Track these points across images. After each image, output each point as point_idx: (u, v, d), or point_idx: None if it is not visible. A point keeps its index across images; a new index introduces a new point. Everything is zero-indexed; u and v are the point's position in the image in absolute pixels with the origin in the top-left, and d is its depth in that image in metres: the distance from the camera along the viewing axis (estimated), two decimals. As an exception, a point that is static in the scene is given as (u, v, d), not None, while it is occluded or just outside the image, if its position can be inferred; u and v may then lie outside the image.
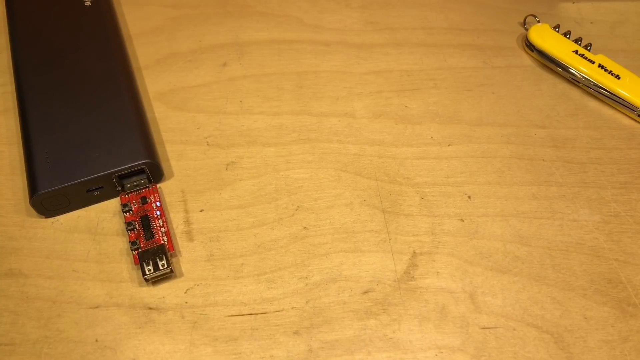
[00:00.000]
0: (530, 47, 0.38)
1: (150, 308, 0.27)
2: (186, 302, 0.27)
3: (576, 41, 0.38)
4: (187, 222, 0.30)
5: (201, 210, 0.31)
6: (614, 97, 0.35)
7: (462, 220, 0.30)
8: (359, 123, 0.35)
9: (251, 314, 0.27)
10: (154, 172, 0.30)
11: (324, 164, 0.33)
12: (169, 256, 0.28)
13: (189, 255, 0.29)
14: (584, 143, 0.34)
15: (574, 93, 0.37)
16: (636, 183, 0.32)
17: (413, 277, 0.28)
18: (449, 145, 0.34)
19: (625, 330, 0.27)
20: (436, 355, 0.26)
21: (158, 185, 0.31)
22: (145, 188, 0.30)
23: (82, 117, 0.31)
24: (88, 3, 0.37)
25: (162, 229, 0.29)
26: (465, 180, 0.32)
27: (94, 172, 0.29)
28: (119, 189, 0.30)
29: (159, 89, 0.36)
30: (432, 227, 0.30)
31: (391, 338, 0.26)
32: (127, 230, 0.29)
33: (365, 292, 0.28)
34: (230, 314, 0.27)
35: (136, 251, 0.28)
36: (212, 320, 0.27)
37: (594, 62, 0.36)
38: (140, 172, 0.30)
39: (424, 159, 0.33)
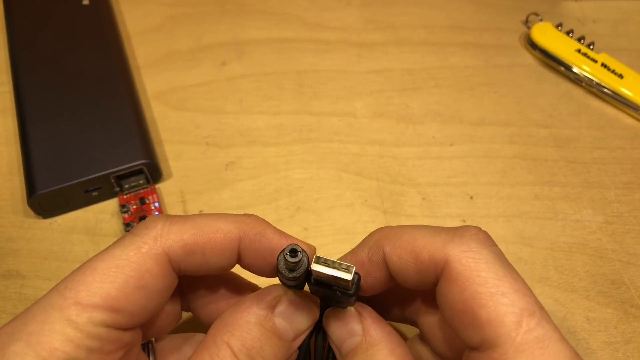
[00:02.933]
0: (532, 45, 0.38)
1: (149, 310, 0.27)
2: (185, 304, 0.27)
3: (579, 40, 0.37)
4: (187, 222, 0.30)
5: (200, 211, 0.30)
6: (617, 97, 0.35)
7: (464, 220, 0.30)
8: (359, 123, 0.34)
9: (251, 316, 0.27)
10: (153, 173, 0.30)
11: (324, 164, 0.32)
12: (168, 257, 0.27)
13: (188, 256, 0.29)
14: (587, 143, 0.34)
15: (577, 92, 0.36)
16: (639, 183, 0.32)
17: (414, 278, 0.28)
18: (450, 145, 0.33)
19: (628, 332, 0.27)
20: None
21: (157, 186, 0.31)
22: (143, 188, 0.30)
23: (80, 117, 0.31)
24: (86, 2, 0.37)
25: (161, 230, 0.28)
26: (467, 181, 0.32)
27: (92, 172, 0.29)
28: (118, 189, 0.30)
29: (157, 88, 0.35)
30: (434, 228, 0.30)
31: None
32: (126, 231, 0.28)
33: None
34: (230, 316, 0.27)
35: (135, 252, 0.28)
36: (212, 322, 0.26)
37: (596, 61, 0.36)
38: (139, 172, 0.30)
39: (425, 159, 0.33)
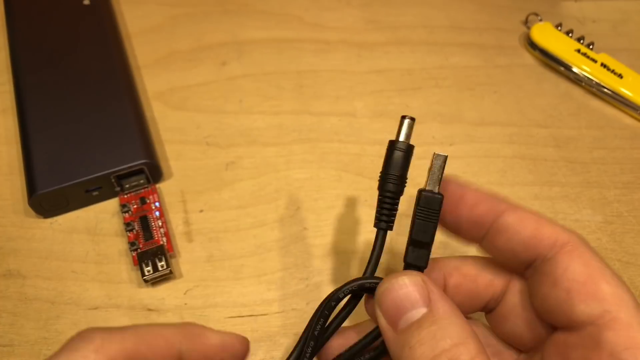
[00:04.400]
0: (532, 45, 0.38)
1: (149, 309, 0.27)
2: (186, 304, 0.27)
3: (578, 40, 0.37)
4: (187, 222, 0.30)
5: (201, 211, 0.30)
6: (617, 97, 0.35)
7: (464, 220, 0.30)
8: (359, 122, 0.34)
9: (251, 316, 0.27)
10: (153, 172, 0.30)
11: (324, 164, 0.32)
12: (168, 257, 0.28)
13: (188, 256, 0.29)
14: (586, 143, 0.34)
15: (577, 92, 0.37)
16: (639, 183, 0.32)
17: (414, 278, 0.28)
18: (450, 145, 0.33)
19: (628, 332, 0.27)
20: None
21: (157, 186, 0.31)
22: (144, 188, 0.30)
23: (81, 117, 0.31)
24: (87, 2, 0.37)
25: (162, 230, 0.29)
26: (468, 180, 0.32)
27: (92, 172, 0.29)
28: (118, 189, 0.30)
29: (158, 88, 0.36)
30: (434, 228, 0.30)
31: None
32: (126, 231, 0.28)
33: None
34: (230, 316, 0.27)
35: (135, 252, 0.28)
36: (212, 321, 0.26)
37: (596, 61, 0.36)
38: (139, 172, 0.30)
39: (425, 159, 0.32)
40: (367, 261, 0.21)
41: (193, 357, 0.19)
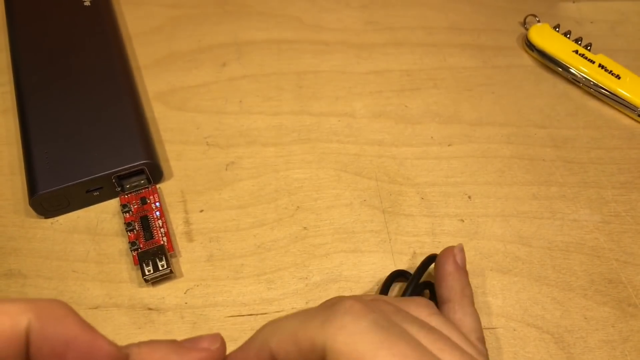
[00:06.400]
0: (530, 46, 0.38)
1: (150, 308, 0.27)
2: (186, 303, 0.27)
3: (576, 41, 0.38)
4: (187, 222, 0.30)
5: (201, 211, 0.30)
6: (614, 97, 0.35)
7: (463, 220, 0.30)
8: (358, 123, 0.35)
9: (251, 315, 0.27)
10: (154, 173, 0.30)
11: (323, 164, 0.32)
12: (168, 257, 0.28)
13: (188, 255, 0.29)
14: (584, 143, 0.34)
15: (574, 93, 0.37)
16: (636, 183, 0.32)
17: (413, 277, 0.28)
18: (449, 145, 0.34)
19: (625, 331, 0.27)
20: (436, 355, 0.26)
21: (157, 186, 0.31)
22: (144, 188, 0.30)
23: (82, 117, 0.31)
24: (87, 3, 0.37)
25: (162, 230, 0.29)
26: (466, 180, 0.32)
27: (93, 172, 0.29)
28: (119, 189, 0.30)
29: (158, 89, 0.36)
30: (433, 228, 0.30)
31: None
32: (127, 231, 0.29)
33: (365, 293, 0.28)
34: (230, 315, 0.27)
35: (136, 252, 0.28)
36: (212, 320, 0.27)
37: (594, 62, 0.36)
38: (140, 172, 0.30)
39: (424, 159, 0.33)
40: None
41: (45, 345, 0.15)
